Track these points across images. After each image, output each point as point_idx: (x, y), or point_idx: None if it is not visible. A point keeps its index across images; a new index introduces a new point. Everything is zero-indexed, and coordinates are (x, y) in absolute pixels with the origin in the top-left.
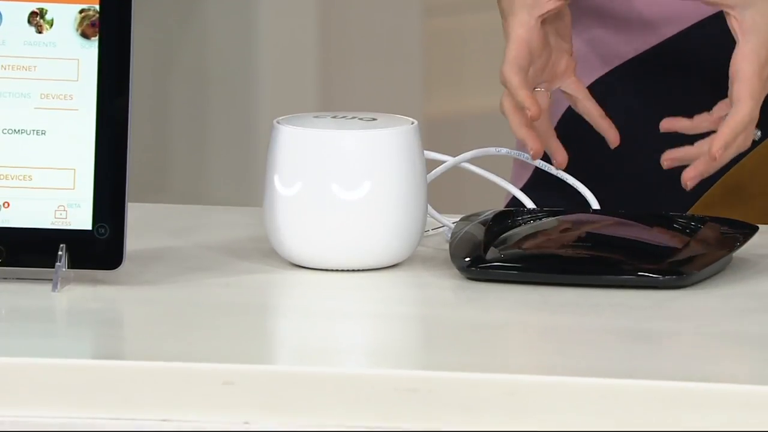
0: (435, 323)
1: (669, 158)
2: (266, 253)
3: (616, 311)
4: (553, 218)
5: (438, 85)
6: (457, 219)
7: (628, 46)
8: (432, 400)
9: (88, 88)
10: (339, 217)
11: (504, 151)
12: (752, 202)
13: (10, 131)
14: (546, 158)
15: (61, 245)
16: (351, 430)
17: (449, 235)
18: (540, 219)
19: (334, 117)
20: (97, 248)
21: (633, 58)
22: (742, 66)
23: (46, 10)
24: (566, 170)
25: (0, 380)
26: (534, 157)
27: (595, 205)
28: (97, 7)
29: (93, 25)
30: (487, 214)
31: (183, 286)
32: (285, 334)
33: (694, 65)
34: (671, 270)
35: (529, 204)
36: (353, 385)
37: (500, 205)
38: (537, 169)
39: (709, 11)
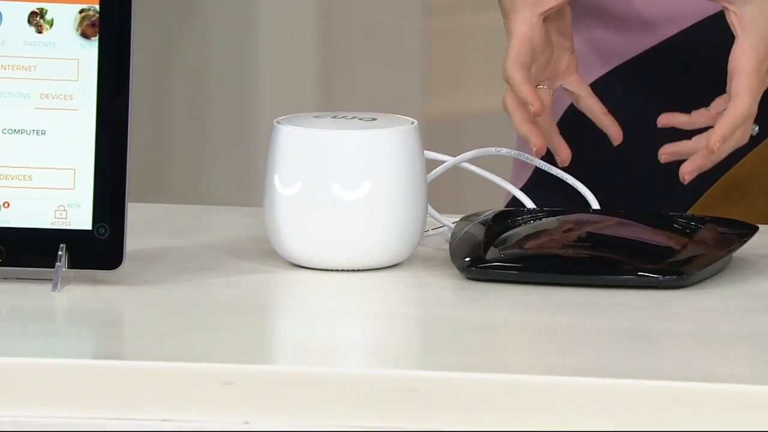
0: (435, 323)
1: (667, 152)
2: (266, 253)
3: (616, 311)
4: (553, 218)
5: (438, 85)
6: (457, 219)
7: (628, 46)
8: (432, 400)
9: (88, 88)
10: (339, 217)
11: (504, 151)
12: (752, 202)
13: (10, 131)
14: (548, 156)
15: (61, 245)
16: (351, 430)
17: (449, 235)
18: (540, 219)
19: (334, 117)
20: (97, 248)
21: (633, 58)
22: (741, 61)
23: (46, 10)
24: (567, 169)
25: (0, 380)
26: (537, 154)
27: (595, 205)
28: (97, 7)
29: (93, 25)
30: (487, 214)
31: (183, 286)
32: (285, 334)
33: (694, 65)
34: (671, 270)
35: (529, 204)
36: (353, 385)
37: (500, 205)
38: (537, 169)
39: (709, 11)
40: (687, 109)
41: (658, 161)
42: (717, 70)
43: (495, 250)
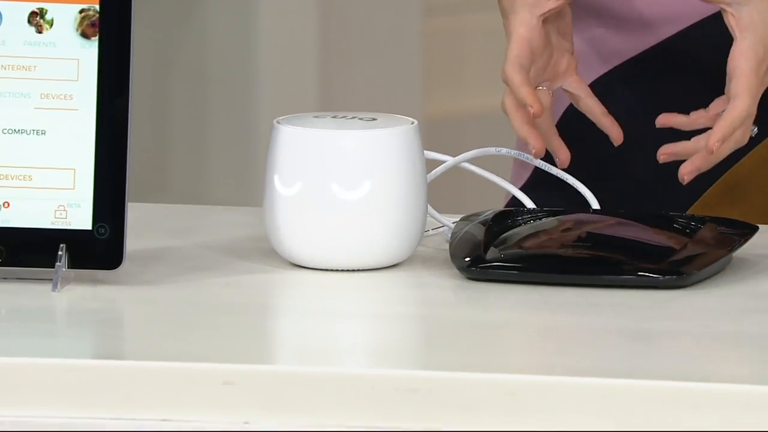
0: (435, 323)
1: (665, 153)
2: (266, 253)
3: (616, 311)
4: (553, 218)
5: (438, 85)
6: (457, 219)
7: (628, 46)
8: (432, 400)
9: (88, 88)
10: (339, 217)
11: (504, 151)
12: (752, 202)
13: (10, 131)
14: (548, 156)
15: (61, 245)
16: (351, 430)
17: (449, 235)
18: (540, 219)
19: (334, 117)
20: (97, 248)
21: (632, 58)
22: (740, 63)
23: (46, 10)
24: (567, 169)
25: (0, 380)
26: (536, 156)
27: (595, 205)
28: (97, 7)
29: (93, 25)
30: (487, 214)
31: (183, 286)
32: (285, 334)
33: (694, 65)
34: (671, 270)
35: (529, 204)
36: (353, 385)
37: (500, 205)
38: (537, 169)
39: (709, 11)
40: (686, 109)
41: (658, 161)
42: (716, 69)
43: (495, 250)
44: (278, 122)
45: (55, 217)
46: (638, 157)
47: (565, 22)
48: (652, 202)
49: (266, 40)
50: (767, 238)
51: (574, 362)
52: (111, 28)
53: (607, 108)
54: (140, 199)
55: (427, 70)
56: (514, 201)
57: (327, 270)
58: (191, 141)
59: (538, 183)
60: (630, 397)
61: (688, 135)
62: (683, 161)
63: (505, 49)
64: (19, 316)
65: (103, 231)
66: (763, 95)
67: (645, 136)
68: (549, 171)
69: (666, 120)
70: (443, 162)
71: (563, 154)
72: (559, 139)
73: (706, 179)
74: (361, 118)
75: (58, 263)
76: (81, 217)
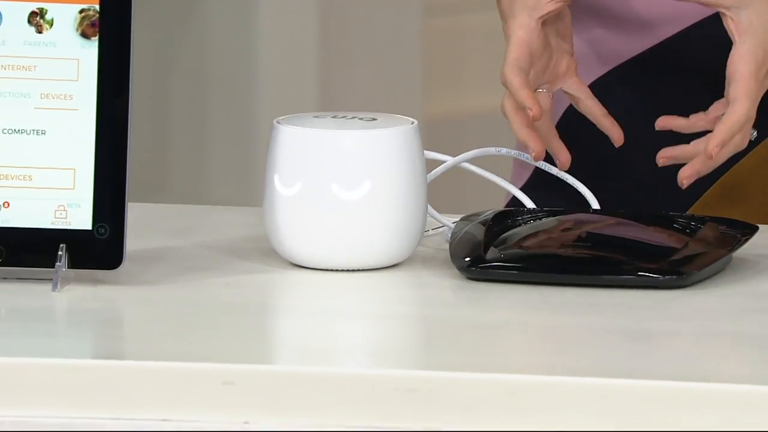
0: (435, 323)
1: (664, 156)
2: (266, 253)
3: (616, 311)
4: (553, 218)
5: (438, 85)
6: (457, 219)
7: (627, 46)
8: (432, 400)
9: (88, 88)
10: (339, 217)
11: (504, 151)
12: (751, 202)
13: (10, 131)
14: (548, 157)
15: (61, 245)
16: (351, 430)
17: (449, 235)
18: (540, 219)
19: (334, 117)
20: (97, 248)
21: (632, 59)
22: (739, 66)
23: (46, 10)
24: (567, 170)
25: (0, 380)
26: (536, 159)
27: (595, 205)
28: (97, 7)
29: (93, 25)
30: (487, 214)
31: (183, 286)
32: (285, 334)
33: (693, 66)
34: (671, 270)
35: (529, 204)
36: (353, 385)
37: (500, 205)
38: (537, 169)
39: (708, 12)
40: (686, 109)
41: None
42: (716, 70)
43: (495, 250)
44: (278, 122)
45: (55, 217)
46: (638, 158)
47: (564, 23)
48: (652, 202)
49: (266, 40)
50: (767, 238)
51: (574, 362)
52: (111, 28)
53: (607, 109)
54: (140, 199)
55: (427, 70)
56: (514, 201)
57: (327, 270)
58: (191, 141)
59: (538, 183)
60: (630, 397)
61: (687, 137)
62: (682, 164)
63: (505, 50)
64: (19, 316)
65: (103, 231)
66: (763, 99)
67: (645, 137)
68: (549, 171)
69: (665, 123)
70: (443, 162)
71: (564, 156)
72: (560, 141)
73: (705, 180)
74: (361, 118)
75: (58, 263)
76: (81, 217)
